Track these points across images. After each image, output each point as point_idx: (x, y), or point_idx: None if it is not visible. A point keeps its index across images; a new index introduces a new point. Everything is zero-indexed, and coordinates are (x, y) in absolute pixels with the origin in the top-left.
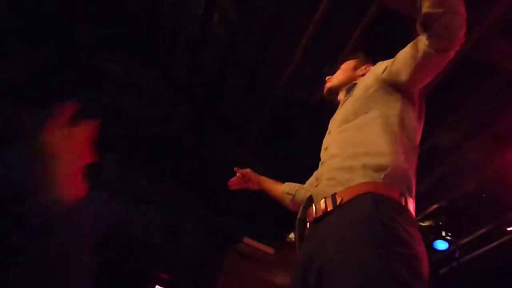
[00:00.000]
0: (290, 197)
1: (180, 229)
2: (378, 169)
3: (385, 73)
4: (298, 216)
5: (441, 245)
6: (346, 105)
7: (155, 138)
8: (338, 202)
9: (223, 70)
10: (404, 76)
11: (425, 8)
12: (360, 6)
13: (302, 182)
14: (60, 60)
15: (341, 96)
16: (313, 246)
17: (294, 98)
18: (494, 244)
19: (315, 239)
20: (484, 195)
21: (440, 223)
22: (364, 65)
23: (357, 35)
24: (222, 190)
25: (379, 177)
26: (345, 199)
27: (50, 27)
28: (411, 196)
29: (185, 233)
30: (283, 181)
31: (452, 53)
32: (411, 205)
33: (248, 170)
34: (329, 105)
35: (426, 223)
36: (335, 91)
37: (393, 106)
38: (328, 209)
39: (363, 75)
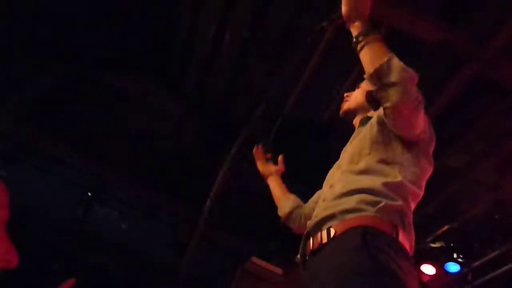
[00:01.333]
0: (295, 204)
1: (188, 246)
2: (372, 203)
3: (382, 118)
4: (300, 252)
5: (452, 267)
6: (355, 142)
7: (165, 154)
8: (332, 235)
9: (234, 88)
10: (394, 127)
11: (368, 81)
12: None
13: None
14: (73, 78)
15: (356, 121)
16: (307, 279)
17: (303, 116)
18: (508, 267)
19: (309, 272)
20: (496, 216)
21: (452, 244)
22: None
23: None
24: (231, 208)
25: (372, 210)
26: (338, 232)
27: (65, 46)
28: (404, 229)
29: (193, 250)
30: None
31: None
32: (405, 237)
33: (268, 165)
34: (338, 125)
35: (437, 245)
36: (353, 113)
37: (394, 150)
38: (323, 242)
39: None
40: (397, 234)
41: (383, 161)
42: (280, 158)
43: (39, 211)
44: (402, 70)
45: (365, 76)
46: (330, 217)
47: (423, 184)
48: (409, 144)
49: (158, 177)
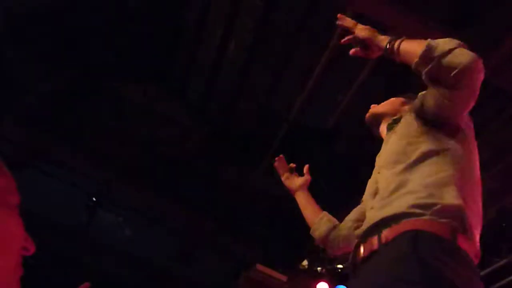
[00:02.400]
0: (331, 225)
1: (192, 253)
2: (425, 206)
3: (421, 109)
4: (349, 260)
5: None
6: (392, 144)
7: (169, 162)
8: (383, 241)
9: (238, 95)
10: (440, 114)
11: (419, 68)
12: None
13: None
14: (79, 84)
15: (383, 128)
16: (357, 287)
17: (307, 123)
18: None
19: (359, 280)
20: (504, 225)
21: None
22: (412, 102)
23: (371, 62)
24: (235, 214)
25: (426, 213)
26: (390, 237)
27: (71, 52)
28: (465, 233)
29: (197, 257)
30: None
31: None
32: (466, 243)
33: (296, 179)
34: (342, 131)
35: None
36: (378, 118)
37: (439, 141)
38: (374, 249)
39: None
40: (456, 239)
41: (431, 155)
42: (306, 168)
43: (43, 216)
44: (449, 40)
45: (413, 66)
46: (381, 223)
47: (477, 170)
48: (452, 131)
49: (162, 183)
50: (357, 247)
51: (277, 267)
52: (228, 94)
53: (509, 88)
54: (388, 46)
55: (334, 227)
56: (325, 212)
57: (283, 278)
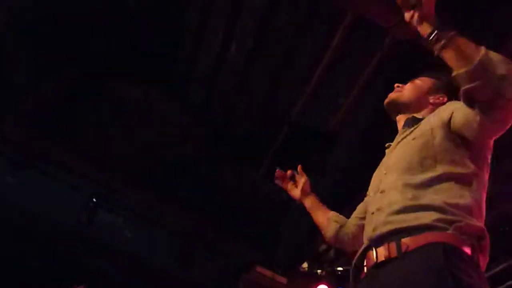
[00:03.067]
0: (338, 225)
1: (193, 255)
2: (449, 221)
3: (450, 122)
4: (354, 262)
5: None
6: (408, 148)
7: (169, 163)
8: (403, 250)
9: (239, 97)
10: (467, 134)
11: (460, 79)
12: (375, 38)
13: None
14: (80, 86)
15: (401, 119)
16: None
17: (308, 125)
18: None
19: (373, 284)
20: (501, 229)
21: None
22: (439, 94)
23: (373, 64)
24: (235, 216)
25: (449, 228)
26: (411, 247)
27: (72, 55)
28: (482, 252)
29: (197, 259)
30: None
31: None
32: (482, 262)
33: (304, 179)
34: (343, 134)
35: None
36: (398, 108)
37: (462, 162)
38: (392, 256)
39: (433, 106)
40: (478, 257)
41: (450, 177)
42: (299, 168)
43: (44, 217)
44: (505, 61)
45: (455, 73)
46: (401, 231)
47: (484, 204)
48: (475, 154)
49: (163, 184)
50: (367, 250)
51: (277, 270)
52: (228, 96)
53: None
54: (434, 35)
55: (341, 226)
56: (332, 212)
57: (283, 280)
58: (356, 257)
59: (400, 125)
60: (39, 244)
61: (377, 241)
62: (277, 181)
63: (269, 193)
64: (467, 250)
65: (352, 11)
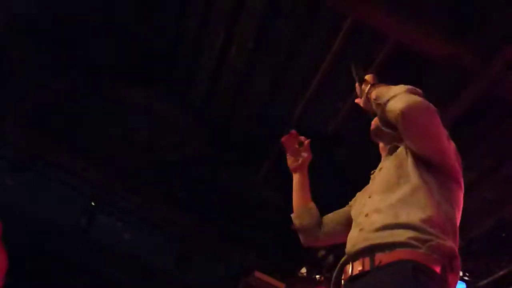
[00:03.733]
0: (315, 220)
1: (192, 259)
2: (422, 240)
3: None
4: (334, 275)
5: (459, 286)
6: (388, 169)
7: (169, 166)
8: (376, 264)
9: (239, 100)
10: (418, 153)
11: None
12: (376, 42)
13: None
14: (79, 88)
15: (382, 146)
16: None
17: (308, 128)
18: None
19: None
20: (504, 235)
21: None
22: None
23: (373, 69)
24: (235, 220)
25: (422, 247)
26: (384, 262)
27: (71, 56)
28: (452, 272)
29: (196, 263)
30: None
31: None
32: (452, 281)
33: (306, 155)
34: (343, 137)
35: None
36: (380, 135)
37: (433, 179)
38: (365, 269)
39: None
40: (447, 276)
41: (423, 193)
42: (306, 143)
43: (43, 220)
44: (400, 87)
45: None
46: (376, 248)
47: (460, 208)
48: (440, 173)
49: (162, 188)
50: (345, 265)
51: (276, 274)
52: (228, 99)
53: (509, 97)
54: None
55: (317, 223)
56: (313, 204)
57: (281, 285)
58: (335, 271)
59: (383, 152)
60: (38, 248)
61: (354, 256)
62: (284, 140)
63: (269, 197)
64: (437, 269)
65: (351, 17)
